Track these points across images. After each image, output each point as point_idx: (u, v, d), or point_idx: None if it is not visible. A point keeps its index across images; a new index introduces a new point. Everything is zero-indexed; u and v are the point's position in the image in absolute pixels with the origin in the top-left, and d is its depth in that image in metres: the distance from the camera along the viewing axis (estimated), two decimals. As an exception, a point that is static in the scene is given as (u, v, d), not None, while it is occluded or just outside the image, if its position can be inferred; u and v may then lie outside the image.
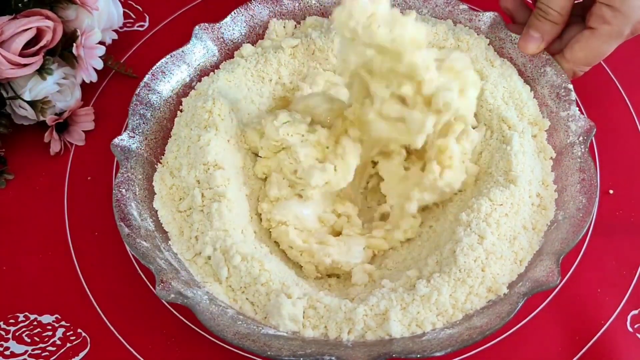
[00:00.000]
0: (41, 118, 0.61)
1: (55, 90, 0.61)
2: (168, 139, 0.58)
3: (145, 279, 0.55)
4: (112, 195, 0.52)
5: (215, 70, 0.61)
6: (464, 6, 0.61)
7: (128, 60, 0.69)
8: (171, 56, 0.59)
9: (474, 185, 0.55)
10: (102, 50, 0.63)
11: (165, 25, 0.71)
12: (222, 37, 0.62)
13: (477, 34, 0.60)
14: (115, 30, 0.67)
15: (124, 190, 0.53)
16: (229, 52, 0.62)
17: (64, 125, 0.63)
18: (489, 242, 0.49)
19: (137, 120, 0.57)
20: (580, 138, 0.54)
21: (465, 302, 0.48)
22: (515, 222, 0.51)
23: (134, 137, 0.56)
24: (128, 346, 0.53)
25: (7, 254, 0.58)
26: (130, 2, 0.73)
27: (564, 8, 0.55)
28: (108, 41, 0.67)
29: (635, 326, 0.53)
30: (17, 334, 0.54)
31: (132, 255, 0.56)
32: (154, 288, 0.48)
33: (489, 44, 0.60)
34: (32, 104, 0.60)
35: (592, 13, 0.54)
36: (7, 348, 0.53)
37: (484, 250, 0.49)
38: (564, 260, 0.48)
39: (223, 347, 0.52)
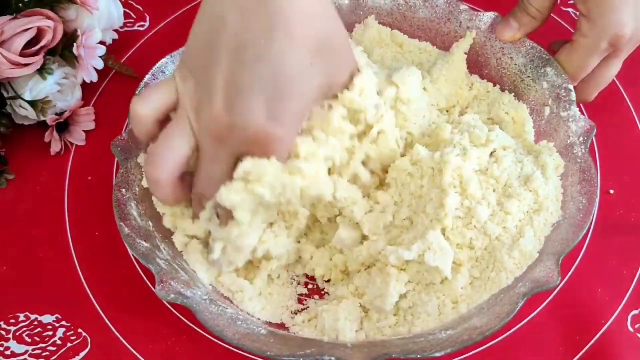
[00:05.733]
0: (41, 118, 0.61)
1: (55, 90, 0.61)
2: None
3: (145, 279, 0.56)
4: (112, 195, 0.52)
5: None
6: (464, 6, 0.61)
7: (128, 60, 0.69)
8: (171, 56, 0.59)
9: None
10: (102, 50, 0.63)
11: (165, 25, 0.71)
12: (222, 37, 0.62)
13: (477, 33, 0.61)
14: (116, 30, 0.67)
15: (124, 190, 0.53)
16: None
17: (64, 125, 0.63)
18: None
19: (137, 120, 0.57)
20: (581, 138, 0.53)
21: (467, 302, 0.49)
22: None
23: (134, 137, 0.56)
24: (128, 346, 0.53)
25: (7, 254, 0.58)
26: (130, 1, 0.73)
27: (542, 7, 0.56)
28: (108, 41, 0.67)
29: (636, 326, 0.53)
30: (17, 334, 0.54)
31: (132, 255, 0.56)
32: (154, 288, 0.48)
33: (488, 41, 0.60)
34: (33, 103, 0.60)
35: (577, 27, 0.55)
36: (8, 348, 0.53)
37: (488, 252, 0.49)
38: (564, 260, 0.48)
39: (223, 347, 0.52)
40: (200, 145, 0.46)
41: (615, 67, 0.56)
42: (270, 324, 0.51)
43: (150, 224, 0.53)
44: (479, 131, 0.53)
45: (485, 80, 0.61)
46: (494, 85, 0.61)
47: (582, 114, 0.56)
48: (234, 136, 0.44)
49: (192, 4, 0.72)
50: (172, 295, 0.47)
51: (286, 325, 0.51)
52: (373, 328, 0.50)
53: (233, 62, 0.43)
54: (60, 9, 0.62)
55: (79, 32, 0.61)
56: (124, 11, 0.68)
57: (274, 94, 0.43)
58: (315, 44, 0.44)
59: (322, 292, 0.54)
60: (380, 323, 0.50)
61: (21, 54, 0.58)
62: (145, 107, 0.46)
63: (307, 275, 0.55)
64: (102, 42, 0.64)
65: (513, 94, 0.59)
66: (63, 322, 0.54)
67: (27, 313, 0.55)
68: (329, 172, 0.49)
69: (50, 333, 0.54)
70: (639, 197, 0.59)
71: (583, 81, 0.57)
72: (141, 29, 0.71)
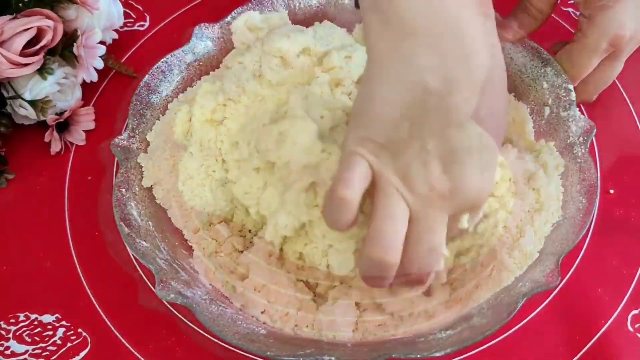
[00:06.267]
0: (42, 118, 0.61)
1: (55, 89, 0.61)
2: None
3: (145, 279, 0.56)
4: (112, 195, 0.52)
5: (216, 70, 0.62)
6: (464, 6, 0.61)
7: (128, 60, 0.69)
8: (171, 56, 0.59)
9: None
10: (102, 50, 0.63)
11: (165, 25, 0.71)
12: (222, 37, 0.62)
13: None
14: (116, 30, 0.67)
15: (124, 190, 0.53)
16: (229, 52, 0.62)
17: (64, 125, 0.63)
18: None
19: (137, 120, 0.57)
20: (581, 138, 0.53)
21: (467, 302, 0.49)
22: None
23: (134, 137, 0.56)
24: (128, 346, 0.53)
25: (7, 254, 0.58)
26: (130, 1, 0.73)
27: (543, 7, 0.56)
28: (108, 41, 0.67)
29: (636, 326, 0.53)
30: (17, 334, 0.54)
31: (132, 255, 0.56)
32: (154, 288, 0.48)
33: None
34: (33, 103, 0.60)
35: (577, 27, 0.55)
36: (8, 347, 0.53)
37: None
38: (564, 260, 0.48)
39: (223, 347, 0.52)
40: (416, 217, 0.43)
41: (616, 68, 0.56)
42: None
43: (150, 224, 0.53)
44: None
45: None
46: (494, 85, 0.61)
47: (582, 114, 0.56)
48: (454, 200, 0.43)
49: (192, 4, 0.72)
50: (172, 295, 0.47)
51: None
52: (372, 328, 0.50)
53: (445, 126, 0.42)
54: (60, 9, 0.62)
55: (79, 32, 0.61)
56: (124, 11, 0.68)
57: (485, 151, 0.43)
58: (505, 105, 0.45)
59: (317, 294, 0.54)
60: (380, 323, 0.50)
61: (21, 54, 0.58)
62: (353, 191, 0.42)
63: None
64: (102, 42, 0.64)
65: (513, 94, 0.59)
66: (63, 322, 0.54)
67: (27, 313, 0.55)
68: None
69: (50, 333, 0.54)
70: (639, 197, 0.59)
71: (584, 82, 0.57)
72: (141, 29, 0.71)
